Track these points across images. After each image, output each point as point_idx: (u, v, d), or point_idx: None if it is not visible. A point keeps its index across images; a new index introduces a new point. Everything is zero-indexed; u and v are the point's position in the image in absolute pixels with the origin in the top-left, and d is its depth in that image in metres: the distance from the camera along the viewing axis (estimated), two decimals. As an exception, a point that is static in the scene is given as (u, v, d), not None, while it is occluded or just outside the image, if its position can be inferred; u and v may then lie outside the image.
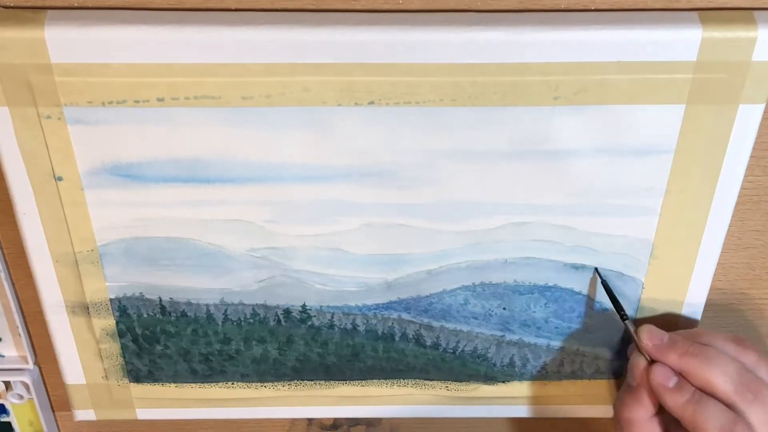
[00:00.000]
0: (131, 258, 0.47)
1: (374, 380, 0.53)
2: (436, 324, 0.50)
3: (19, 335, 0.52)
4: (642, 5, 0.40)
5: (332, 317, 0.49)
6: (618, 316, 0.48)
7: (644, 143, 0.42)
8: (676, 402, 0.43)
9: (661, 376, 0.44)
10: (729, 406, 0.42)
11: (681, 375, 0.44)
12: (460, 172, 0.43)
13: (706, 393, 0.43)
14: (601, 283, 0.48)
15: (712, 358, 0.43)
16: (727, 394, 0.42)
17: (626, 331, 0.47)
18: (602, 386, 0.53)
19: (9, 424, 0.56)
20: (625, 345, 0.51)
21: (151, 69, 0.40)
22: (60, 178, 0.43)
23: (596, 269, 0.47)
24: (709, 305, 0.51)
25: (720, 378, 0.43)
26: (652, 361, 0.45)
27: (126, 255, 0.46)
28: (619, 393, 0.48)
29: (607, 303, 0.49)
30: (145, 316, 0.49)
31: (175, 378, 0.52)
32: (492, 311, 0.49)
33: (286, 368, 0.52)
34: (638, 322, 0.50)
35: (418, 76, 0.40)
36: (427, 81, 0.40)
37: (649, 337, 0.46)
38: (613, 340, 0.51)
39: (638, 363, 0.46)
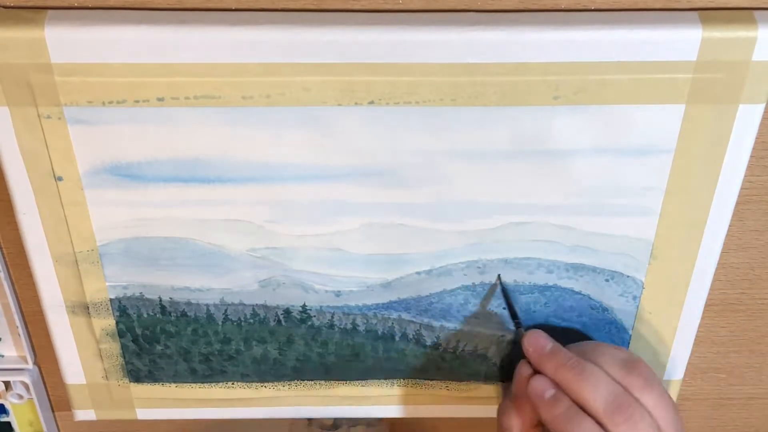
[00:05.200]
0: (131, 258, 0.47)
1: (374, 380, 0.53)
2: (436, 324, 0.50)
3: (19, 335, 0.52)
4: (642, 5, 0.40)
5: (332, 317, 0.49)
6: (513, 323, 0.48)
7: (644, 143, 0.42)
8: (549, 414, 0.42)
9: (538, 387, 0.43)
10: (601, 425, 0.41)
11: (560, 388, 0.43)
12: (460, 172, 0.43)
13: (583, 409, 0.42)
14: (501, 289, 0.48)
15: (589, 375, 0.42)
16: (597, 413, 0.41)
17: (518, 337, 0.47)
18: (602, 386, 0.53)
19: (9, 424, 0.56)
20: (626, 345, 0.51)
21: (151, 69, 0.40)
22: (60, 178, 0.43)
23: (498, 276, 0.47)
24: (709, 305, 0.51)
25: (591, 395, 0.42)
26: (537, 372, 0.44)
27: (126, 255, 0.46)
28: (503, 399, 0.47)
29: (608, 303, 0.49)
30: (145, 316, 0.49)
31: (175, 378, 0.52)
32: (492, 311, 0.49)
33: (286, 368, 0.52)
34: (637, 326, 0.50)
35: (418, 76, 0.40)
36: (427, 81, 0.40)
37: (531, 343, 0.45)
38: (613, 340, 0.51)
39: (521, 371, 0.45)
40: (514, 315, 0.48)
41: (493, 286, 0.48)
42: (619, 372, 0.43)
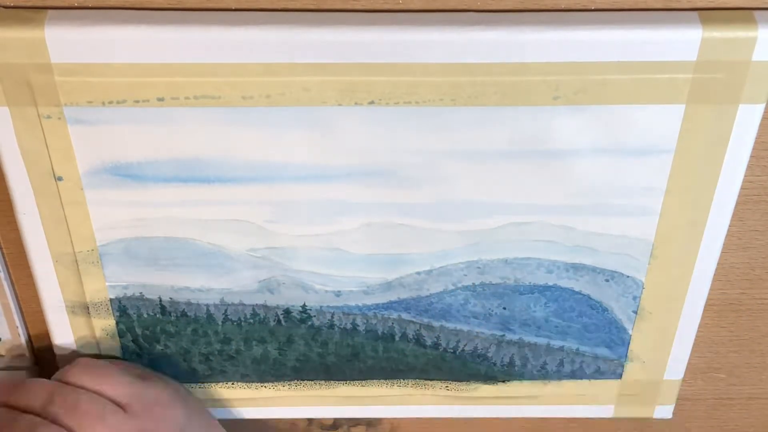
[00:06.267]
0: (131, 258, 0.47)
1: (374, 380, 0.53)
2: (436, 324, 0.50)
3: (19, 335, 0.52)
4: (642, 5, 0.40)
5: (332, 317, 0.49)
6: None
7: (644, 143, 0.42)
8: None
9: None
10: None
11: None
12: (460, 172, 0.43)
13: None
14: None
15: None
16: None
17: None
18: (602, 386, 0.53)
19: (9, 424, 0.56)
20: (626, 345, 0.51)
21: (151, 69, 0.40)
22: (60, 178, 0.43)
23: None
24: (709, 305, 0.51)
25: None
26: None
27: (126, 255, 0.46)
28: None
29: (608, 303, 0.49)
30: (145, 316, 0.49)
31: (175, 378, 0.52)
32: (492, 311, 0.49)
33: (286, 368, 0.52)
34: (637, 326, 0.50)
35: (418, 76, 0.40)
36: (427, 81, 0.40)
37: None
38: (613, 340, 0.51)
39: None
40: None
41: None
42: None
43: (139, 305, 0.49)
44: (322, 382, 0.53)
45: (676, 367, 0.52)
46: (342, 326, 0.50)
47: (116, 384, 0.46)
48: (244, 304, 0.49)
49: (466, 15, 0.40)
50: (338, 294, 0.48)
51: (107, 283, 0.48)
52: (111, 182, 0.44)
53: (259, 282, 0.48)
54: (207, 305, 0.49)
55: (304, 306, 0.49)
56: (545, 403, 0.54)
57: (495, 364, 0.52)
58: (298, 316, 0.49)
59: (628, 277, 0.48)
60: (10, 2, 0.39)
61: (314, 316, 0.49)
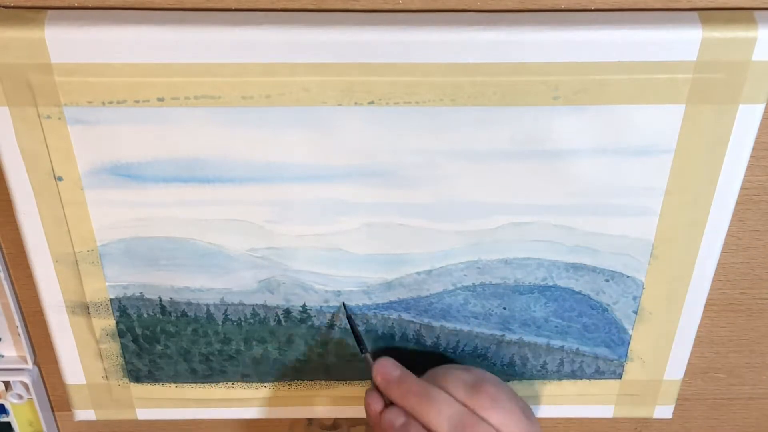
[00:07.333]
0: (131, 258, 0.47)
1: (374, 380, 0.53)
2: (436, 324, 0.50)
3: (19, 335, 0.52)
4: (642, 5, 0.40)
5: (332, 317, 0.49)
6: (358, 349, 0.48)
7: (644, 143, 0.42)
8: None
9: (389, 418, 0.44)
10: None
11: (411, 416, 0.44)
12: (460, 172, 0.43)
13: None
14: (346, 317, 0.48)
15: (433, 400, 0.43)
16: None
17: (366, 364, 0.47)
18: (602, 386, 0.53)
19: (9, 424, 0.56)
20: (626, 345, 0.51)
21: (151, 69, 0.40)
22: (60, 178, 0.43)
23: (343, 304, 0.48)
24: (709, 305, 0.51)
25: (435, 419, 0.42)
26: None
27: (126, 255, 0.46)
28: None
29: (608, 303, 0.49)
30: (145, 316, 0.49)
31: (175, 378, 0.52)
32: (492, 311, 0.49)
33: (286, 368, 0.52)
34: (637, 326, 0.50)
35: (418, 76, 0.40)
36: (427, 81, 0.40)
37: (379, 372, 0.46)
38: (613, 340, 0.51)
39: (371, 402, 0.46)
40: (359, 341, 0.48)
41: (348, 318, 0.49)
42: (464, 394, 0.44)
43: (139, 305, 0.49)
44: (322, 382, 0.53)
45: (676, 367, 0.52)
46: (342, 326, 0.50)
47: (515, 422, 0.43)
48: (244, 304, 0.49)
49: (466, 15, 0.40)
50: (338, 294, 0.48)
51: (107, 283, 0.48)
52: (111, 182, 0.44)
53: (259, 282, 0.48)
54: (207, 305, 0.49)
55: (304, 306, 0.49)
56: (545, 403, 0.54)
57: (495, 364, 0.52)
58: (298, 316, 0.49)
59: (628, 277, 0.48)
60: (10, 2, 0.39)
61: (314, 316, 0.49)
